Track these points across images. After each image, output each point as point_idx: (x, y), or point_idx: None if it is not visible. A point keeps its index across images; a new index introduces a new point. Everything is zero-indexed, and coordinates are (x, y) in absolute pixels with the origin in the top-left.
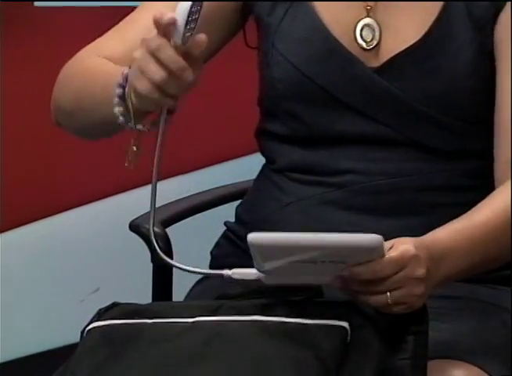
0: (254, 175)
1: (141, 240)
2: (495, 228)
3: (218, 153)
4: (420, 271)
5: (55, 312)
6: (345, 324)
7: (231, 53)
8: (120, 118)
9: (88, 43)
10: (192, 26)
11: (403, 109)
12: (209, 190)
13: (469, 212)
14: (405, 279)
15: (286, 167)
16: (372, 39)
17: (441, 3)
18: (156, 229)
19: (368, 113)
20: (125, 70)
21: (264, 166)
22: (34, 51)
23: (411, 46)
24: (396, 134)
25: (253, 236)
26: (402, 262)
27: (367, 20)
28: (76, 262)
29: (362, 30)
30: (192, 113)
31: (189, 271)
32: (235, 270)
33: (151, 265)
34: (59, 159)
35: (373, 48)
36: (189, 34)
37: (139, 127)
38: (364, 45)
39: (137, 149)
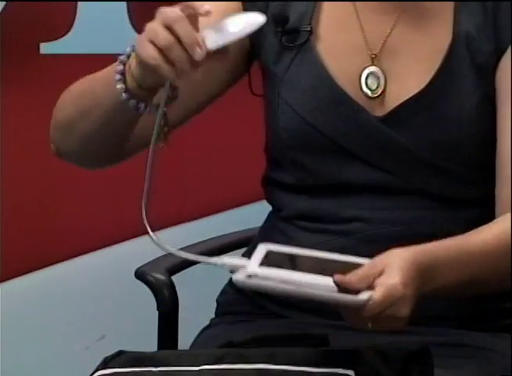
0: (260, 222)
1: (146, 288)
2: (492, 251)
3: (224, 200)
4: (404, 311)
5: (61, 360)
6: (351, 373)
7: (236, 99)
8: (123, 95)
9: None
10: (235, 40)
11: (408, 157)
12: (215, 238)
13: (467, 233)
14: (387, 317)
15: (293, 215)
16: (377, 87)
17: (445, 51)
18: (161, 276)
19: (373, 161)
20: (128, 48)
21: (270, 214)
22: (38, 98)
23: (415, 95)
24: (401, 182)
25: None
26: (388, 304)
27: (372, 68)
28: (81, 310)
29: (367, 79)
30: (198, 160)
31: (183, 256)
32: (225, 259)
33: (157, 312)
34: (61, 207)
35: (378, 96)
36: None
37: (142, 107)
38: (369, 93)
39: (166, 127)
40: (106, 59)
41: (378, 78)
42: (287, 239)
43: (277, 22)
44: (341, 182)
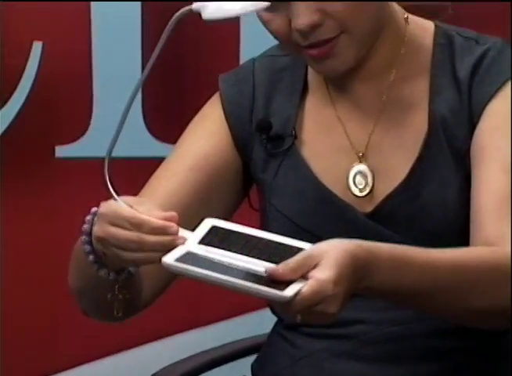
0: (268, 328)
1: None
2: (439, 266)
3: (235, 306)
4: (334, 308)
5: None
6: None
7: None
8: (102, 272)
9: (106, 197)
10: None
11: None
12: (226, 344)
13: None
14: (316, 312)
15: (296, 323)
16: (365, 186)
17: (423, 139)
18: None
19: None
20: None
21: (276, 322)
22: (51, 204)
23: (398, 186)
24: None
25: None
26: (317, 300)
27: (360, 167)
28: None
29: (354, 178)
30: None
31: None
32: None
33: None
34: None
35: (366, 194)
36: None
37: (118, 276)
38: (357, 192)
39: (123, 297)
40: (121, 163)
41: (366, 177)
42: (291, 346)
43: (261, 129)
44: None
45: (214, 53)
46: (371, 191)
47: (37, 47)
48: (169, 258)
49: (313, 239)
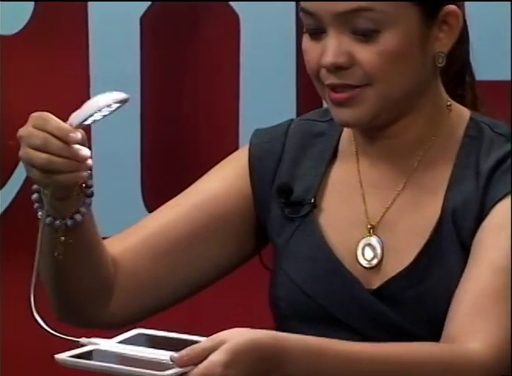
0: None
1: None
2: (373, 359)
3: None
4: None
5: None
6: None
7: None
8: (46, 220)
9: None
10: (95, 120)
11: (399, 332)
12: None
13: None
14: None
15: None
16: (373, 258)
17: (433, 227)
18: None
19: (367, 334)
20: None
21: None
22: None
23: (405, 269)
24: None
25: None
26: None
27: (369, 239)
28: None
29: (363, 249)
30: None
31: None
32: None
33: None
34: None
35: (374, 266)
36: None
37: (63, 221)
38: (365, 263)
39: (65, 239)
40: None
41: (374, 249)
42: None
43: (281, 193)
44: None
45: (212, 137)
46: (379, 264)
47: None
48: (62, 355)
49: (317, 307)
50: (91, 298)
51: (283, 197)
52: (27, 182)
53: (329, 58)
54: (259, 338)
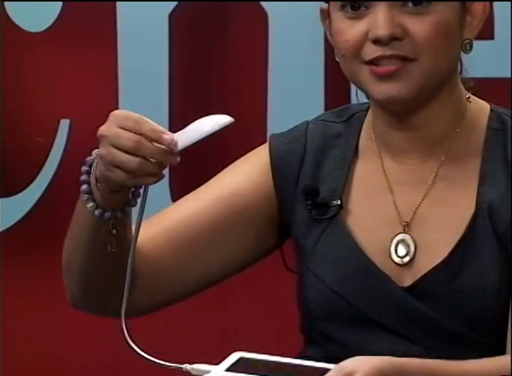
0: None
1: None
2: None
3: None
4: None
5: None
6: None
7: (270, 279)
8: (96, 212)
9: None
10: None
11: (435, 328)
12: None
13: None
14: None
15: None
16: (406, 255)
17: (468, 221)
18: None
19: (401, 332)
20: (86, 163)
21: None
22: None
23: (439, 264)
24: (428, 352)
25: None
26: None
27: (403, 236)
28: None
29: (397, 246)
30: (235, 336)
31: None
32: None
33: None
34: None
35: (406, 264)
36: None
37: (113, 214)
38: (398, 260)
39: (116, 232)
40: None
41: (408, 246)
42: None
43: (307, 195)
44: (369, 353)
45: (240, 135)
46: (411, 261)
47: (64, 124)
48: None
49: (349, 307)
50: (115, 287)
51: (309, 199)
52: (55, 179)
53: (383, 30)
54: (381, 367)
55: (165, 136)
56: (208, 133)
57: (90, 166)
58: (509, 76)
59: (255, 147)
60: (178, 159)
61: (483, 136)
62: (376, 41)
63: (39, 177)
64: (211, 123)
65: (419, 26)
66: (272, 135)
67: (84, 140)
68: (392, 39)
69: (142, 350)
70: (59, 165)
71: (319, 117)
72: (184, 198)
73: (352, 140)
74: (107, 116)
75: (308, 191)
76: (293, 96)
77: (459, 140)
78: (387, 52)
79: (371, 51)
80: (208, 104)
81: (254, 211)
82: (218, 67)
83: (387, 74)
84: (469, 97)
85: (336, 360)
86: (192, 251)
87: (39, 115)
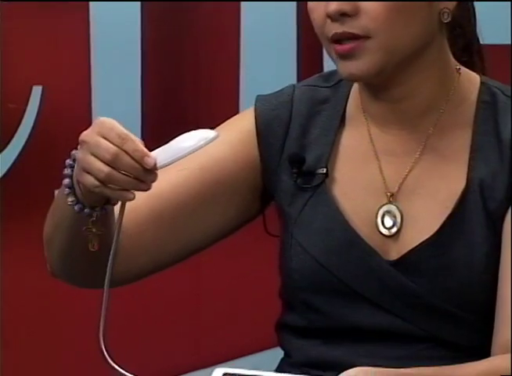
0: (273, 367)
1: None
2: None
3: (239, 346)
4: None
5: None
6: None
7: (250, 243)
8: (75, 207)
9: None
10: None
11: (418, 303)
12: None
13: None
14: None
15: (303, 362)
16: (393, 226)
17: (458, 196)
18: None
19: (384, 305)
20: (71, 157)
21: (281, 360)
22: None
23: (427, 239)
24: (413, 327)
25: None
26: None
27: (388, 207)
28: None
29: (383, 217)
30: (212, 307)
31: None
32: None
33: None
34: None
35: (393, 235)
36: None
37: (92, 211)
38: (385, 232)
39: (96, 230)
40: None
41: (394, 217)
42: None
43: (293, 163)
44: (351, 325)
45: (213, 103)
46: (398, 232)
47: (36, 91)
48: None
49: (333, 279)
50: (97, 264)
51: (295, 167)
52: (28, 146)
53: (334, 5)
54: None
55: (147, 159)
56: (190, 150)
57: (75, 160)
58: (509, 43)
59: (227, 114)
60: (156, 178)
61: (473, 109)
62: (329, 18)
63: (11, 144)
64: (194, 139)
65: (371, 3)
66: (259, 98)
67: (56, 107)
68: (344, 15)
69: (121, 367)
70: (31, 132)
71: (306, 81)
72: (167, 168)
73: (340, 107)
74: (79, 83)
75: (293, 159)
76: (266, 63)
77: (447, 112)
78: (339, 29)
79: (329, 28)
80: (181, 68)
81: (239, 181)
82: (192, 32)
83: (344, 53)
84: (459, 68)
85: (317, 330)
86: (174, 223)
87: (11, 82)
